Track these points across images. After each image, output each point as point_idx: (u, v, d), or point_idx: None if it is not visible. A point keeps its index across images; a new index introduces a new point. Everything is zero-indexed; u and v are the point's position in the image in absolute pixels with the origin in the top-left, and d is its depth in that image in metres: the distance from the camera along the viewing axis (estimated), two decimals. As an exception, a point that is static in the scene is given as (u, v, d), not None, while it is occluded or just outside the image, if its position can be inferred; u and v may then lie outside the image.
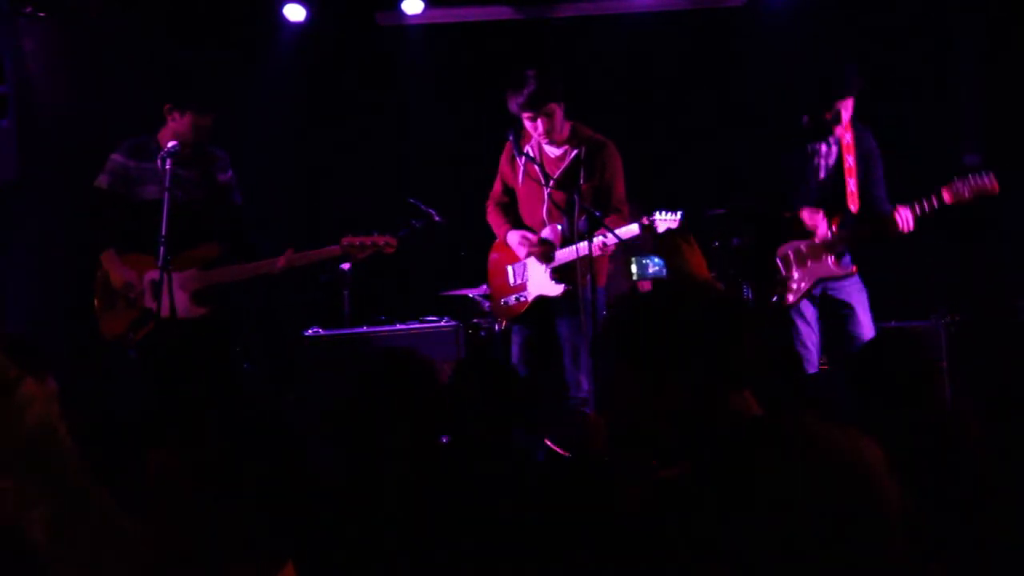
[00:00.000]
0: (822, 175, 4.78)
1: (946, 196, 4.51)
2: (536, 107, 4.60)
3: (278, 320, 6.00)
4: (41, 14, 5.79)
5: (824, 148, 4.79)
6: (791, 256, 4.78)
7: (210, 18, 6.26)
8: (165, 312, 4.48)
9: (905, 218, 4.55)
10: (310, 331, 5.79)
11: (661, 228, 4.47)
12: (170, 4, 6.24)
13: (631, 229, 4.53)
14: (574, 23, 6.93)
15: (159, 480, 1.61)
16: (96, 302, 4.83)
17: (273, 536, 1.56)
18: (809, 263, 4.75)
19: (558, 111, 4.67)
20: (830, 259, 4.73)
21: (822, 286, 4.77)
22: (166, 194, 4.46)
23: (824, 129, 4.70)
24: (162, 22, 6.18)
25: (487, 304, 5.67)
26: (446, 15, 6.78)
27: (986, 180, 4.47)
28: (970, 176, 4.48)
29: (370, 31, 6.78)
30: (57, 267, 6.04)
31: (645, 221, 4.57)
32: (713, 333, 1.66)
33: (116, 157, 4.89)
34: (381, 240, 4.94)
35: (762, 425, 1.63)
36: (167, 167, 4.50)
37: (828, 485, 1.48)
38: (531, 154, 4.78)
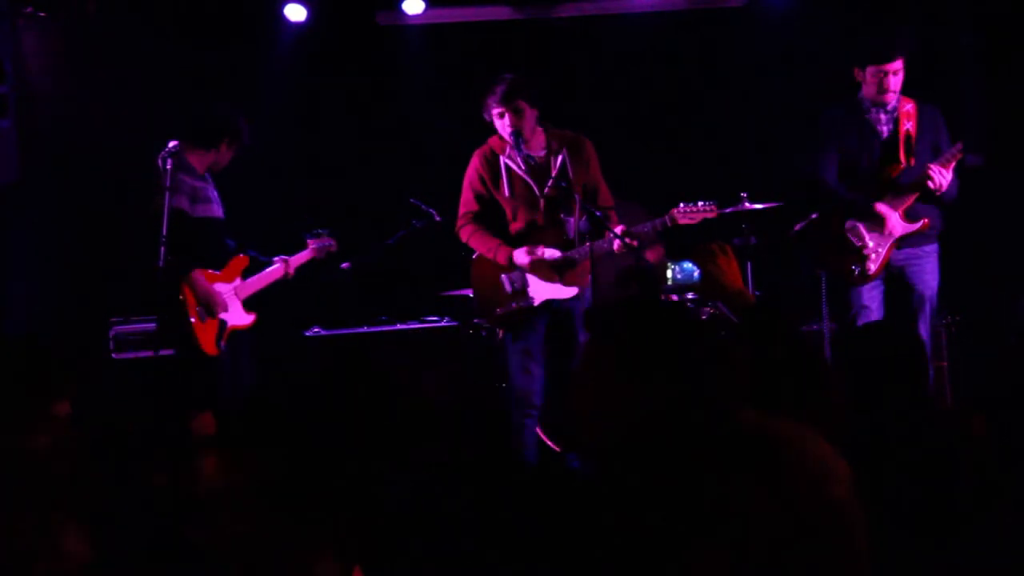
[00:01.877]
0: (885, 136, 4.70)
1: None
2: (506, 101, 4.61)
3: (278, 320, 5.99)
4: (41, 14, 5.79)
5: (884, 116, 4.71)
6: (862, 226, 4.65)
7: (210, 18, 6.25)
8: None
9: (938, 172, 4.54)
10: (310, 331, 5.80)
11: (697, 219, 4.54)
12: (170, 4, 6.23)
13: (653, 224, 4.63)
14: (574, 23, 6.92)
15: (219, 486, 1.61)
16: (193, 321, 4.75)
17: (342, 540, 1.54)
18: (882, 228, 4.60)
19: (528, 111, 4.66)
20: (898, 217, 4.62)
21: (893, 269, 4.66)
22: (167, 194, 4.51)
23: (880, 91, 4.62)
24: (162, 22, 6.17)
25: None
26: (446, 15, 6.77)
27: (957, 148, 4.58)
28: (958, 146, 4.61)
29: (370, 31, 6.77)
30: (57, 268, 6.04)
31: (675, 212, 4.61)
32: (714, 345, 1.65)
33: (184, 177, 4.85)
34: (331, 242, 5.27)
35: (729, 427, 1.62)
36: (167, 167, 4.56)
37: (783, 487, 1.47)
38: (518, 163, 4.74)
